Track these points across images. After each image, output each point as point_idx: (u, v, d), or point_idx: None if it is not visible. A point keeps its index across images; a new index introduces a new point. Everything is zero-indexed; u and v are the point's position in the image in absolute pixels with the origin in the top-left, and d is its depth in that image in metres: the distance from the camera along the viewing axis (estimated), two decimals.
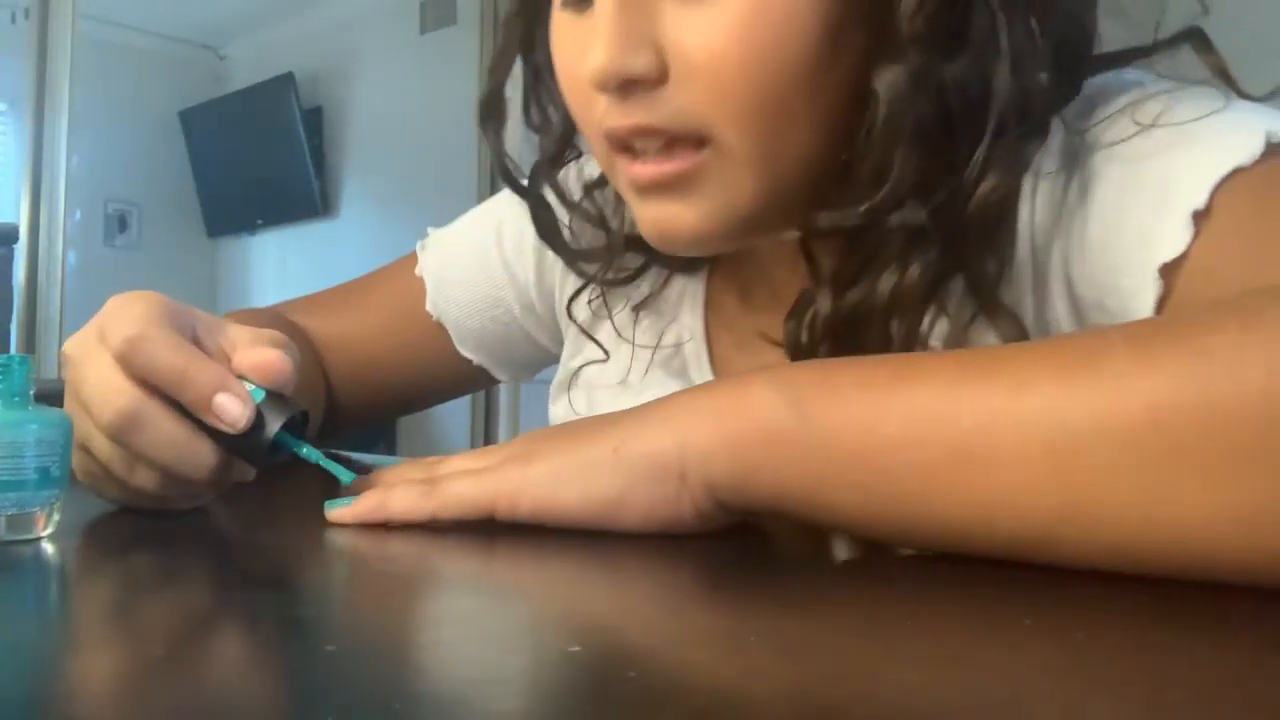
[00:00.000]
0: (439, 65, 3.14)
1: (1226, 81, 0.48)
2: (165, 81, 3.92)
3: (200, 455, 0.43)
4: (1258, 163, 0.43)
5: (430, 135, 3.18)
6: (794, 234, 0.53)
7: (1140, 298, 0.45)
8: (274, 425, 0.44)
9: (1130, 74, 0.50)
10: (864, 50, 0.48)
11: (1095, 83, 0.50)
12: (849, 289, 0.50)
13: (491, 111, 0.60)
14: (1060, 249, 0.49)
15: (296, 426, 0.45)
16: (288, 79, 3.64)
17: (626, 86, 0.48)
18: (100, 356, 0.43)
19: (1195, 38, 0.49)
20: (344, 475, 0.45)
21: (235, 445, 0.44)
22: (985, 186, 0.47)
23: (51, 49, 2.43)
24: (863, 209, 0.48)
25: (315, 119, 3.68)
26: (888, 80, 0.47)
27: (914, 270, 0.48)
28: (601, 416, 0.44)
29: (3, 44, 2.79)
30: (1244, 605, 0.32)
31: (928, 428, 0.36)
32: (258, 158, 3.76)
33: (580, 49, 0.50)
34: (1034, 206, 0.50)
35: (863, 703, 0.24)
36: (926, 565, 0.39)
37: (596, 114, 0.50)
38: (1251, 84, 0.49)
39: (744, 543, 0.43)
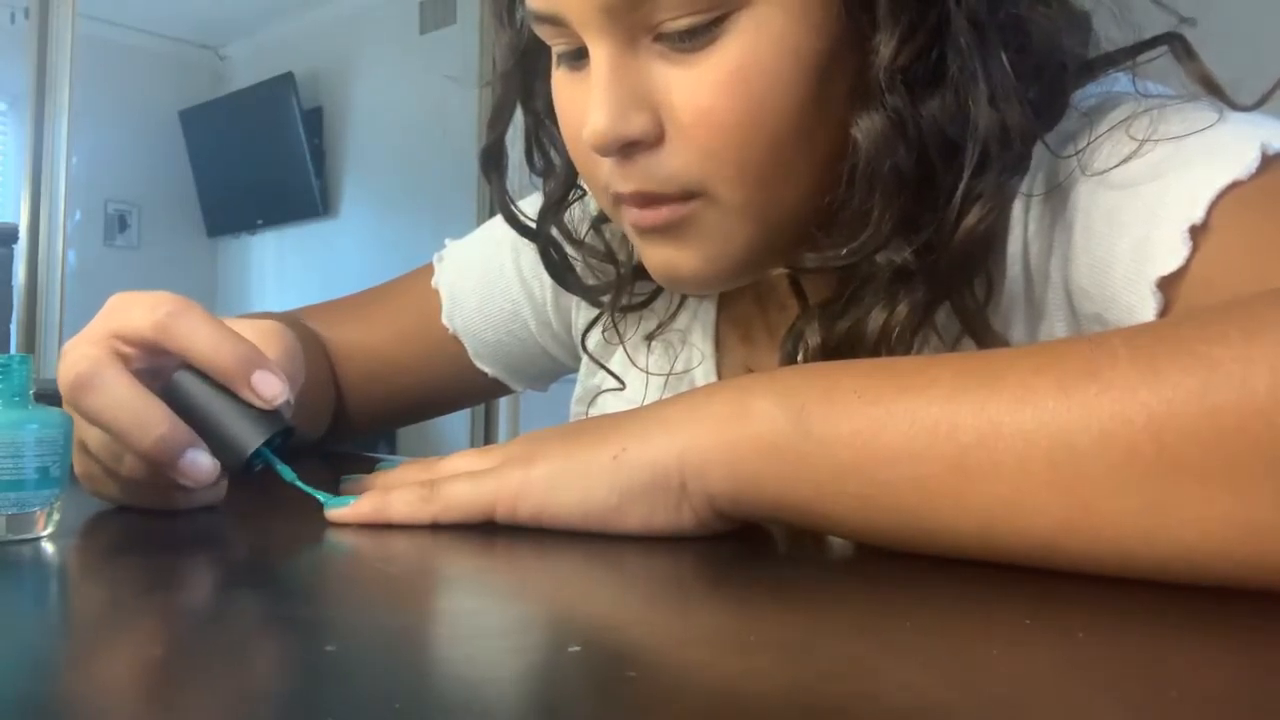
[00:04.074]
0: (439, 65, 3.14)
1: (1210, 88, 0.48)
2: (165, 81, 3.92)
3: (148, 424, 0.42)
4: (1254, 176, 0.43)
5: (430, 135, 3.18)
6: (782, 271, 0.54)
7: (1139, 313, 0.45)
8: (259, 438, 0.44)
9: (1120, 85, 0.50)
10: (848, 98, 0.49)
11: (1086, 98, 0.50)
12: (838, 320, 0.51)
13: (493, 162, 0.61)
14: (1058, 270, 0.50)
15: (279, 443, 0.46)
16: (288, 79, 3.64)
17: (625, 149, 0.49)
18: (87, 336, 0.44)
19: (1175, 43, 0.49)
20: (321, 498, 0.45)
21: (221, 448, 0.44)
22: (968, 222, 0.48)
23: (51, 49, 2.43)
24: (845, 251, 0.49)
25: (315, 119, 3.68)
26: (865, 127, 0.48)
27: (901, 309, 0.49)
28: (603, 418, 0.45)
29: (3, 44, 2.79)
30: (1244, 605, 0.32)
31: (928, 441, 0.36)
32: (258, 158, 3.77)
33: (579, 108, 0.51)
34: (1026, 228, 0.50)
35: (863, 702, 0.24)
36: (927, 565, 0.39)
37: (601, 171, 0.52)
38: (1245, 91, 0.48)
39: (744, 542, 0.43)
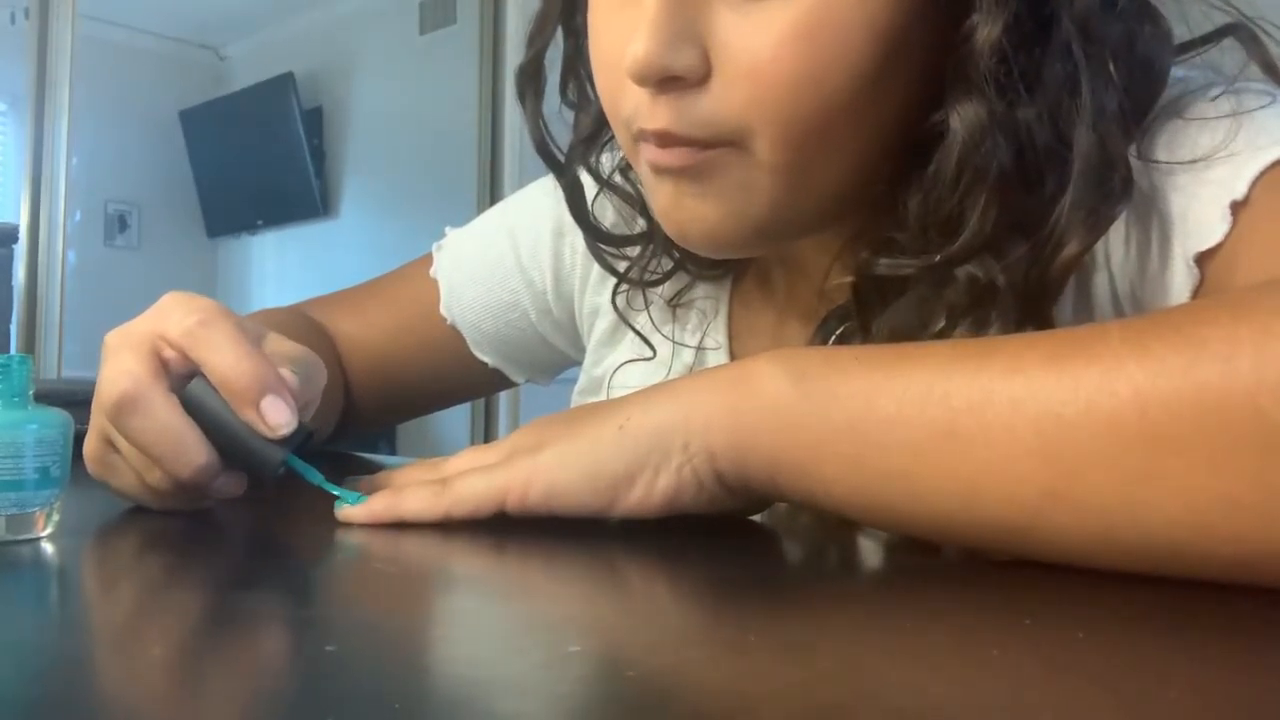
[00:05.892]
0: (439, 65, 3.14)
1: (1273, 75, 0.48)
2: (165, 81, 3.91)
3: (188, 453, 0.42)
4: None
5: (430, 135, 3.18)
6: (846, 280, 0.51)
7: (1175, 288, 0.45)
8: (287, 447, 0.44)
9: (1176, 74, 0.49)
10: (921, 82, 0.47)
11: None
12: (898, 334, 0.48)
13: (530, 81, 0.58)
14: (1102, 252, 0.49)
15: (303, 445, 0.45)
16: (288, 79, 3.64)
17: (664, 83, 0.46)
18: (130, 335, 0.43)
19: (1240, 32, 0.48)
20: (350, 498, 0.44)
21: (242, 458, 0.44)
22: (1069, 252, 0.45)
23: (51, 49, 2.43)
24: (939, 259, 0.47)
25: (315, 119, 3.67)
26: (968, 118, 0.45)
27: (994, 331, 0.46)
28: (609, 400, 0.45)
29: (3, 44, 2.79)
30: (1244, 605, 0.32)
31: (921, 405, 0.36)
32: (258, 158, 3.76)
33: (620, 33, 0.48)
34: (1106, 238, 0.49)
35: (863, 702, 0.24)
36: (926, 566, 0.39)
37: (626, 104, 0.49)
38: None
39: (744, 542, 0.43)
